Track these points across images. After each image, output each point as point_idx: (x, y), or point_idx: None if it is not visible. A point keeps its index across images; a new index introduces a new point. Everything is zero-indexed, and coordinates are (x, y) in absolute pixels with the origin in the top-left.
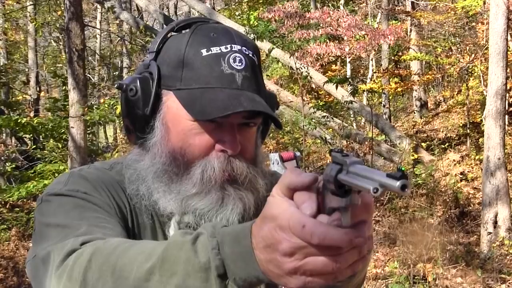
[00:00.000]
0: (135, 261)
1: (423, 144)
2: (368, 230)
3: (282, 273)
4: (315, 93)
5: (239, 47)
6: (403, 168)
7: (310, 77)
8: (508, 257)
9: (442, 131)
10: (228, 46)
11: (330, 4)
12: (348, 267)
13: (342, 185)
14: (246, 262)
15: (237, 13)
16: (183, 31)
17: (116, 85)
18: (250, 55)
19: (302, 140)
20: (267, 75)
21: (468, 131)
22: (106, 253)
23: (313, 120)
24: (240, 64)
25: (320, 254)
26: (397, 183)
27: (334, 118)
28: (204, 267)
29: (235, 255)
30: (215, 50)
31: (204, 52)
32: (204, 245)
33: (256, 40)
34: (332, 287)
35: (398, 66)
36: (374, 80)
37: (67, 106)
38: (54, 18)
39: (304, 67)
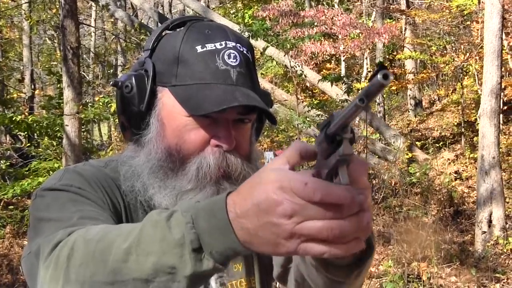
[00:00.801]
0: (114, 243)
1: (417, 142)
2: (367, 192)
3: (276, 237)
4: (310, 92)
5: (233, 43)
6: (380, 62)
7: (305, 76)
8: (502, 256)
9: (437, 130)
10: (223, 42)
11: (324, 3)
12: (343, 244)
13: (333, 138)
14: (223, 234)
15: (232, 12)
16: (178, 29)
17: (111, 82)
18: (245, 52)
19: (296, 139)
20: (261, 74)
21: (463, 130)
22: (88, 239)
23: (308, 119)
24: (234, 60)
25: (319, 217)
26: (378, 76)
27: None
28: (179, 243)
29: (211, 228)
30: (209, 46)
31: (199, 48)
32: (178, 221)
33: (250, 38)
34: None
35: (393, 64)
36: (368, 79)
37: (62, 104)
38: (49, 16)
39: (299, 66)
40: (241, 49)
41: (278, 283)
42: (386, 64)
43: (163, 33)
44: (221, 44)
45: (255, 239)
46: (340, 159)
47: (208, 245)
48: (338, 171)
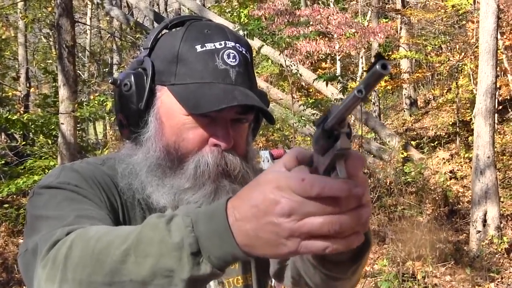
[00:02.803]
0: (112, 244)
1: (412, 142)
2: (365, 186)
3: (277, 237)
4: (305, 91)
5: (232, 43)
6: (379, 51)
7: (300, 75)
8: (496, 255)
9: (432, 129)
10: (222, 42)
11: (320, 2)
12: (343, 239)
13: (330, 133)
14: (221, 238)
15: (227, 10)
16: (177, 29)
17: (110, 80)
18: (244, 52)
19: (292, 138)
20: (257, 73)
21: (458, 129)
22: (86, 239)
23: (303, 118)
24: (234, 60)
25: (318, 213)
26: (377, 66)
27: None
28: (178, 246)
29: (210, 232)
30: (209, 46)
31: (198, 48)
32: (178, 224)
33: (246, 37)
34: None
35: (383, 55)
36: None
37: (57, 103)
38: (44, 14)
39: (294, 65)
40: (240, 49)
41: (273, 279)
42: (383, 54)
43: (162, 32)
44: (220, 44)
45: (255, 241)
46: (337, 153)
47: (206, 250)
48: (335, 166)
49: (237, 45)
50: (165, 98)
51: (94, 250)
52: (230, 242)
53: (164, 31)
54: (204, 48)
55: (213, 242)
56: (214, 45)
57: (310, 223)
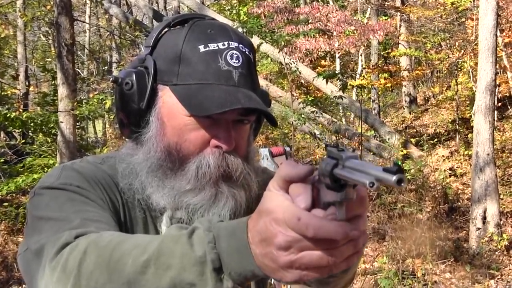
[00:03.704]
0: (131, 254)
1: (412, 139)
2: (363, 224)
3: (278, 267)
4: (305, 88)
5: (236, 44)
6: (399, 162)
7: (299, 72)
8: (496, 252)
9: (432, 127)
10: (226, 43)
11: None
12: (343, 261)
13: (338, 179)
14: (242, 256)
15: (227, 8)
16: (179, 27)
17: (111, 78)
18: (247, 53)
19: (291, 135)
20: (256, 70)
21: (457, 126)
22: (101, 246)
23: (302, 115)
24: (237, 61)
25: (315, 248)
26: (394, 178)
27: (323, 113)
28: (200, 261)
29: (231, 249)
30: (212, 46)
31: (201, 48)
32: (200, 239)
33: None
34: (327, 278)
35: (388, 61)
36: (363, 76)
37: (57, 101)
38: (43, 13)
39: (294, 62)
40: (244, 50)
41: (273, 280)
42: (402, 167)
43: (165, 31)
44: (223, 44)
45: (263, 265)
46: (341, 201)
47: (228, 266)
48: (335, 206)
49: (241, 45)
50: (167, 98)
51: (111, 258)
52: (249, 260)
53: (167, 29)
54: (207, 49)
55: (234, 259)
56: (217, 46)
57: (309, 256)
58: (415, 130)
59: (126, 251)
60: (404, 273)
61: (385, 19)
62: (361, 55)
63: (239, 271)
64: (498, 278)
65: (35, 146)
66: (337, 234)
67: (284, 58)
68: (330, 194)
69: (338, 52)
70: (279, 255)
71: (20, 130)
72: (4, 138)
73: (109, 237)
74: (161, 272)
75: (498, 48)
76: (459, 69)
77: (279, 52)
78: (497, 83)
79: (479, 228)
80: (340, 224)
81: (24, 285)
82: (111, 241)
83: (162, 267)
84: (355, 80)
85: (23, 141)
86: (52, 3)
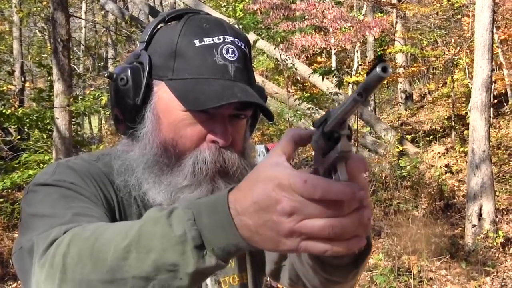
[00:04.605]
0: (112, 241)
1: (408, 136)
2: (366, 187)
3: (276, 235)
4: (300, 85)
5: (231, 38)
6: (379, 53)
7: (295, 69)
8: (492, 249)
9: (427, 123)
10: (221, 37)
11: None
12: (345, 241)
13: (330, 135)
14: (224, 230)
15: (223, 4)
16: (175, 22)
17: (106, 74)
18: (242, 47)
19: None
20: (252, 66)
21: (453, 123)
22: (84, 237)
23: (298, 112)
24: (233, 55)
25: (319, 215)
26: (377, 69)
27: (319, 109)
28: (180, 240)
29: (212, 224)
30: (208, 41)
31: (197, 42)
32: (179, 217)
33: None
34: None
35: (384, 58)
36: (359, 72)
37: (52, 97)
38: (39, 9)
39: (290, 59)
40: (239, 44)
41: (269, 278)
42: (384, 57)
43: (159, 26)
44: (219, 39)
45: (256, 236)
46: (339, 156)
47: (210, 242)
48: (336, 168)
49: (236, 40)
50: (162, 93)
51: (93, 248)
52: (233, 234)
53: (162, 24)
54: (203, 43)
55: (216, 234)
56: (213, 40)
57: (311, 225)
58: (410, 127)
59: (108, 238)
60: (400, 269)
61: (381, 16)
62: (357, 51)
63: (223, 246)
64: (493, 275)
65: (30, 142)
66: (345, 194)
67: (280, 55)
68: (328, 158)
69: (334, 49)
70: (280, 221)
71: (16, 126)
72: (0, 134)
73: (92, 227)
74: (143, 256)
75: (494, 45)
76: (455, 66)
77: (275, 48)
78: (493, 80)
79: (474, 225)
80: (347, 184)
81: (19, 282)
82: (94, 231)
83: (143, 250)
84: (351, 77)
85: (18, 137)
86: None
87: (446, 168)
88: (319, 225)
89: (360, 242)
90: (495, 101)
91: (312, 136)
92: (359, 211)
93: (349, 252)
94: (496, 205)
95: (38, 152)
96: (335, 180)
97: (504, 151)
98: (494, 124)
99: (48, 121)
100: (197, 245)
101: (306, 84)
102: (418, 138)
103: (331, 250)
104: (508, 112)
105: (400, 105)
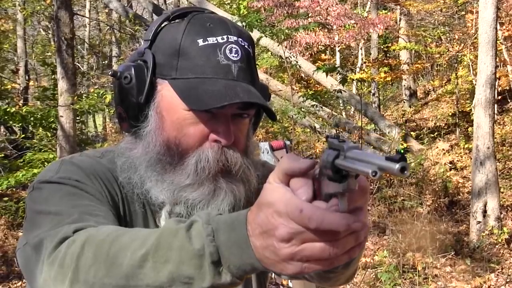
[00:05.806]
0: (129, 248)
1: (412, 133)
2: (364, 216)
3: (279, 259)
4: (305, 82)
5: (235, 38)
6: (401, 151)
7: (299, 66)
8: (496, 246)
9: (432, 120)
10: (225, 36)
11: None
12: (345, 253)
13: (339, 170)
14: (241, 249)
15: (226, 2)
16: (179, 21)
17: (110, 72)
18: (246, 47)
19: (291, 129)
20: (256, 64)
21: (457, 120)
22: (99, 240)
23: (303, 109)
24: (236, 55)
25: (317, 239)
26: (397, 166)
27: (323, 107)
28: (198, 254)
29: (230, 242)
30: (211, 40)
31: (200, 42)
32: (199, 232)
33: (245, 29)
34: (328, 273)
35: (388, 55)
36: (363, 70)
37: (56, 95)
38: (43, 7)
39: (294, 56)
40: (243, 44)
41: (273, 274)
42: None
43: (164, 24)
44: (222, 38)
45: (263, 258)
46: (343, 192)
47: (227, 259)
48: (337, 197)
49: (240, 39)
50: (165, 92)
51: (109, 252)
52: (249, 253)
53: (166, 22)
54: (206, 42)
55: (233, 252)
56: (216, 39)
57: (311, 248)
58: (415, 124)
59: (124, 245)
60: (405, 267)
61: (385, 13)
62: (361, 49)
63: (238, 264)
64: (498, 272)
65: (35, 140)
66: (340, 225)
67: (284, 52)
68: (332, 185)
69: (338, 46)
70: (280, 247)
71: (20, 124)
72: (4, 133)
73: (107, 231)
74: (159, 266)
75: (498, 42)
76: (459, 63)
77: (278, 46)
78: (497, 76)
79: (479, 222)
80: (342, 216)
81: (24, 280)
82: (109, 235)
83: (160, 260)
84: (355, 74)
85: (23, 135)
86: None
87: (450, 165)
88: (318, 247)
89: (359, 248)
90: (499, 97)
91: (308, 171)
92: (356, 232)
93: (350, 259)
94: (501, 202)
95: (42, 150)
96: (333, 205)
97: (509, 148)
98: (498, 121)
99: (52, 119)
100: (214, 260)
101: (310, 82)
102: (422, 135)
103: (334, 265)
104: None
105: (404, 102)
